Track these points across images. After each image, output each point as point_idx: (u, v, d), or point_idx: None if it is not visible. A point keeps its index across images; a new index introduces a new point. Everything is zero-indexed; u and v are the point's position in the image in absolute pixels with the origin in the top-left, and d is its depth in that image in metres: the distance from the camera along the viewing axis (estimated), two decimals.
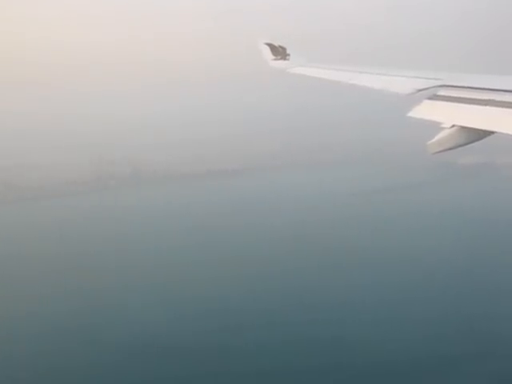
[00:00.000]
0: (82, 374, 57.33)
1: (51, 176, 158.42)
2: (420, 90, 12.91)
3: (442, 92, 12.34)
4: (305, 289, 77.69)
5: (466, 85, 12.11)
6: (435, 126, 11.12)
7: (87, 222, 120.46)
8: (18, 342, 64.30)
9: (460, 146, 10.85)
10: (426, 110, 11.92)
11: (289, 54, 23.87)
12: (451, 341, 61.50)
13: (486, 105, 10.54)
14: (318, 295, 75.58)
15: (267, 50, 24.42)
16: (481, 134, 10.46)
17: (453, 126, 10.79)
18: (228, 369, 57.21)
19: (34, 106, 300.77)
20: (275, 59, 24.00)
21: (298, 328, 65.41)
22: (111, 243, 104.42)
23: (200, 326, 66.66)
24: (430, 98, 12.28)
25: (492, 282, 77.70)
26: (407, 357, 58.36)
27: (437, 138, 10.98)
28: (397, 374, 55.92)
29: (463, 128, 10.59)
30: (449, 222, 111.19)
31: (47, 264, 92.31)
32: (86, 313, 71.80)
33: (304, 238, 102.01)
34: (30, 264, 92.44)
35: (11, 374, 57.31)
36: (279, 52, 24.01)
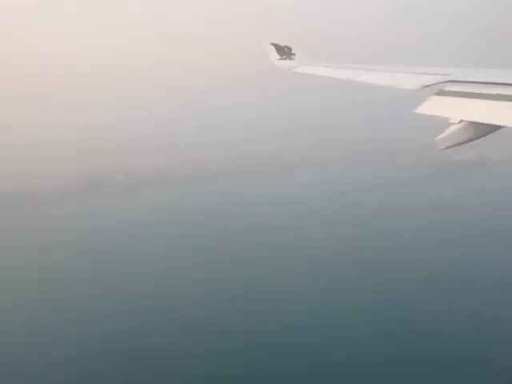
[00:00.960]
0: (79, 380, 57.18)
1: (43, 184, 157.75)
2: (427, 86, 12.88)
3: (450, 87, 12.31)
4: (300, 290, 77.30)
5: (473, 80, 12.07)
6: (443, 122, 11.09)
7: (79, 228, 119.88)
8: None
9: (468, 141, 10.82)
10: (434, 106, 11.89)
11: (294, 54, 23.93)
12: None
13: (493, 99, 10.50)
14: (312, 296, 75.11)
15: (273, 50, 24.49)
16: (489, 129, 10.43)
17: (461, 121, 10.76)
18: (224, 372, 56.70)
19: (23, 115, 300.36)
20: (281, 59, 24.05)
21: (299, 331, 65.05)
22: (104, 249, 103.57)
23: (192, 330, 66.28)
24: (438, 94, 12.25)
25: (483, 278, 77.06)
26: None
27: (445, 133, 10.94)
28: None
29: (471, 123, 10.56)
30: (440, 219, 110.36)
31: (41, 270, 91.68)
32: (76, 320, 71.06)
33: (303, 236, 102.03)
34: (22, 270, 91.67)
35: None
36: (285, 52, 24.07)
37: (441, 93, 12.24)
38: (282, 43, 24.50)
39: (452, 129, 10.84)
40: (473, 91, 11.38)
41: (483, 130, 10.52)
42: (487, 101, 10.61)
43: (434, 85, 12.79)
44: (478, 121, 10.39)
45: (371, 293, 74.53)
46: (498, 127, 10.08)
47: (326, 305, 71.94)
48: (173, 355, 60.72)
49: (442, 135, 10.95)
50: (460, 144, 10.89)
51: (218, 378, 55.98)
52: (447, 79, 12.76)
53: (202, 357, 59.99)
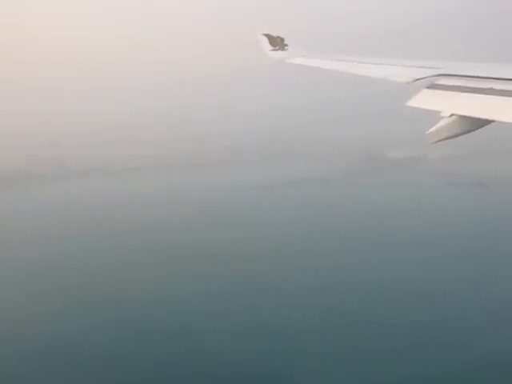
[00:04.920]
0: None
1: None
2: (419, 79, 12.86)
3: (441, 81, 12.30)
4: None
5: (465, 73, 12.07)
6: (434, 116, 11.09)
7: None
8: None
9: (459, 135, 10.87)
10: (425, 100, 11.89)
11: (287, 45, 23.89)
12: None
13: (485, 93, 10.52)
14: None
15: (265, 40, 24.44)
16: (479, 123, 10.47)
17: (452, 115, 10.78)
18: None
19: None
20: (273, 50, 24.00)
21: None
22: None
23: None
24: (429, 87, 12.24)
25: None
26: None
27: (435, 127, 10.98)
28: None
29: (462, 117, 10.59)
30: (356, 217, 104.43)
31: None
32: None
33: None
34: None
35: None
36: (277, 42, 24.03)
37: (432, 86, 12.23)
38: (274, 34, 24.45)
39: (443, 122, 10.87)
40: (465, 85, 11.39)
41: (474, 125, 10.56)
42: (479, 95, 10.63)
43: (425, 78, 12.78)
44: (469, 115, 10.41)
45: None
46: (488, 121, 10.12)
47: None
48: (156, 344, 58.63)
49: (433, 129, 10.99)
50: (450, 138, 10.95)
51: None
52: (439, 73, 12.75)
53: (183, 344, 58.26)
